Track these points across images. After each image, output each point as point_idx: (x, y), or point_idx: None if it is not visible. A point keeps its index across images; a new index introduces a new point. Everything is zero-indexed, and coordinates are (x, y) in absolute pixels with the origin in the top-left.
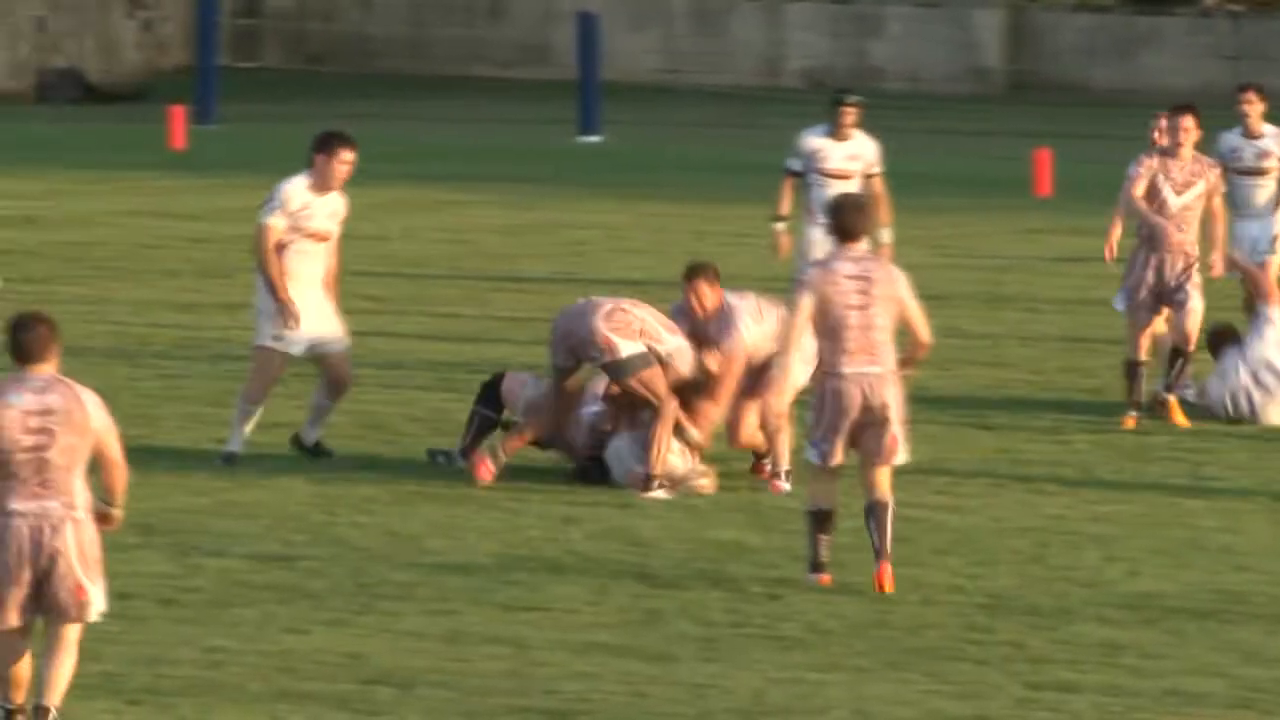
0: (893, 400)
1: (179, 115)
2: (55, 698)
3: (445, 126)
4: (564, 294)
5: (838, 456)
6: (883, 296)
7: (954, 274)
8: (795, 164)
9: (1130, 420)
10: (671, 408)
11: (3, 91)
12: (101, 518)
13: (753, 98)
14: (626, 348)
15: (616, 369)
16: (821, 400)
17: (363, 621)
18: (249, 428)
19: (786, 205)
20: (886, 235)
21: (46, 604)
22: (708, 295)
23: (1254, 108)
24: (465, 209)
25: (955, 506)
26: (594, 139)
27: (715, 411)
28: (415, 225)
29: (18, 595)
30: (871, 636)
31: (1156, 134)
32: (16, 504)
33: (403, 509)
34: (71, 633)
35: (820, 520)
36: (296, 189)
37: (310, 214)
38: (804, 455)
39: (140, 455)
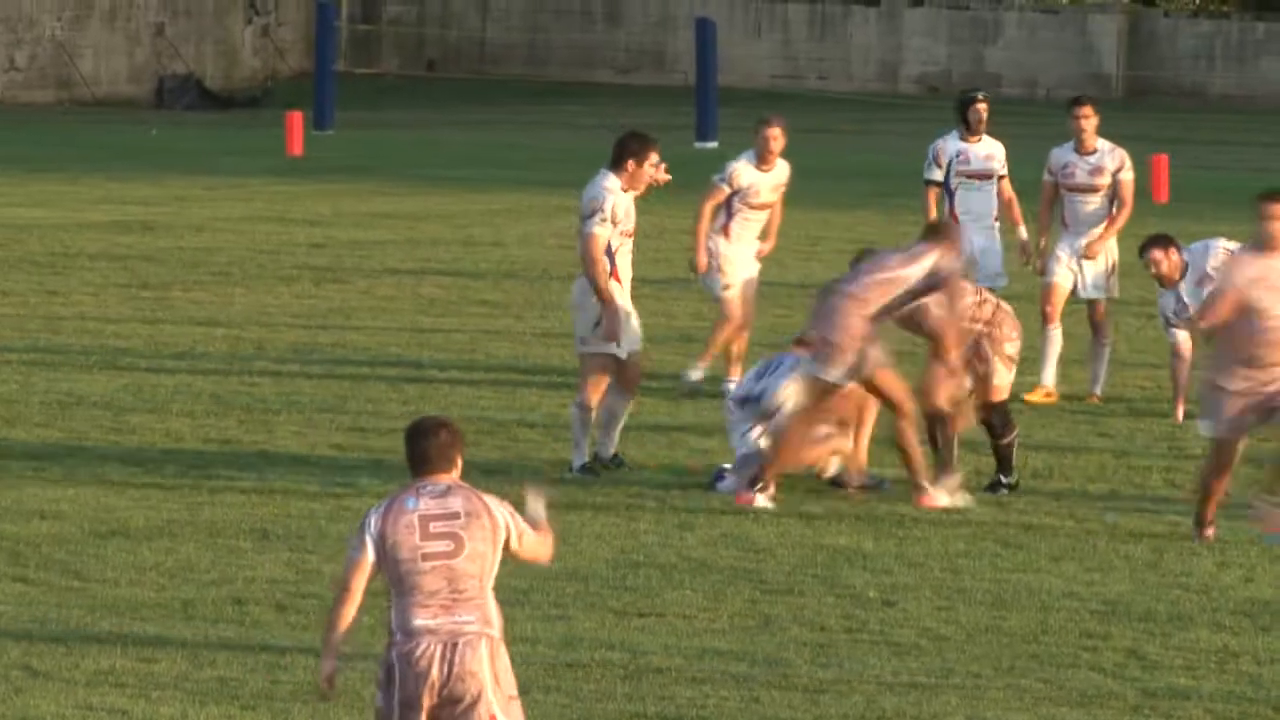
0: None
1: (296, 121)
2: None
3: (561, 132)
4: (678, 298)
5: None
6: None
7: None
8: (935, 174)
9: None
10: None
11: (122, 97)
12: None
13: (869, 104)
14: None
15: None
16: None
17: None
18: (614, 433)
19: (935, 217)
20: (1024, 232)
21: None
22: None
23: (1089, 122)
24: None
25: (1071, 513)
26: (710, 145)
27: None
28: (533, 230)
29: None
30: (987, 643)
31: None
32: (421, 620)
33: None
34: None
35: None
36: (615, 194)
37: (630, 215)
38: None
39: (256, 461)
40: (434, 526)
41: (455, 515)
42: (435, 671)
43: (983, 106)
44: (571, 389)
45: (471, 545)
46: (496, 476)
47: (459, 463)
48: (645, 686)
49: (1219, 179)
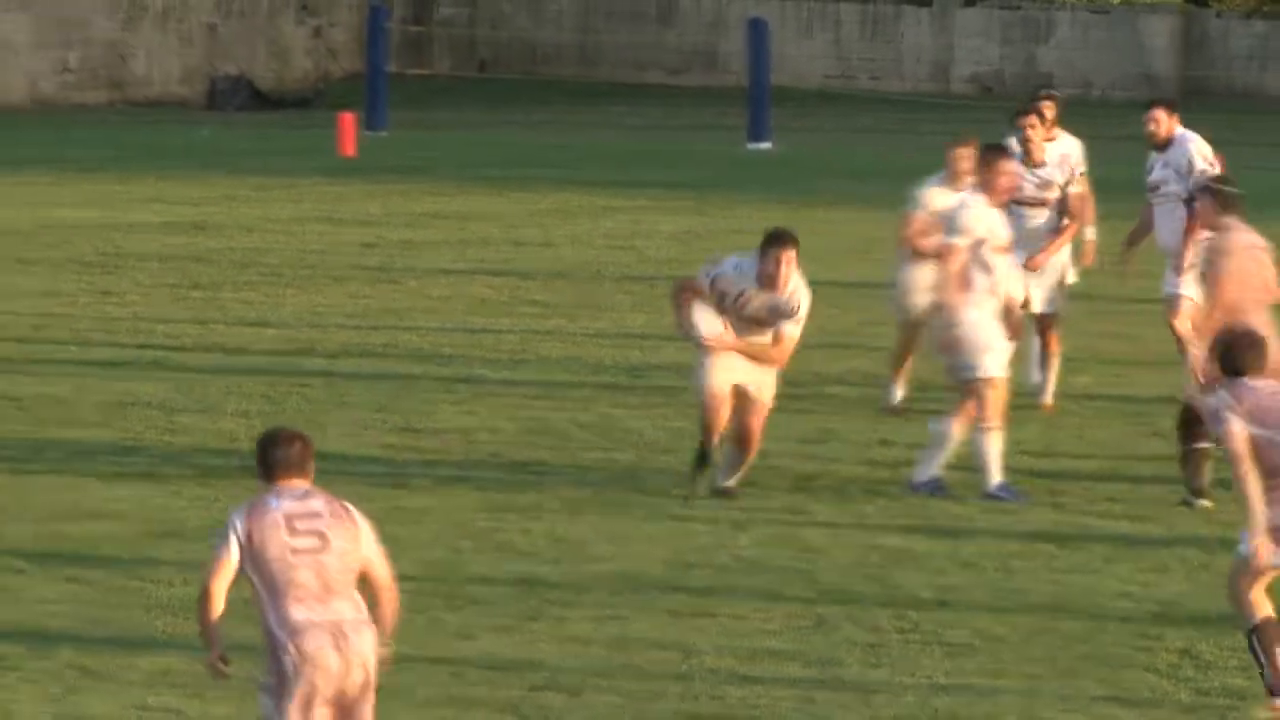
0: None
1: (349, 122)
2: None
3: (614, 133)
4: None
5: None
6: None
7: (1118, 280)
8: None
9: None
10: None
11: (174, 97)
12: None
13: (921, 104)
14: None
15: None
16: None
17: (530, 627)
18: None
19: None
20: (1090, 233)
21: None
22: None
23: (1036, 132)
24: (635, 215)
25: (1126, 514)
26: (763, 145)
27: None
28: (586, 230)
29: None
30: (1042, 643)
31: None
32: (299, 614)
33: (570, 515)
34: None
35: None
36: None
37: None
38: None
39: None
40: (299, 524)
41: (318, 514)
42: (333, 661)
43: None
44: (623, 389)
45: (337, 542)
46: (550, 475)
47: (311, 472)
48: (698, 686)
49: (1274, 179)
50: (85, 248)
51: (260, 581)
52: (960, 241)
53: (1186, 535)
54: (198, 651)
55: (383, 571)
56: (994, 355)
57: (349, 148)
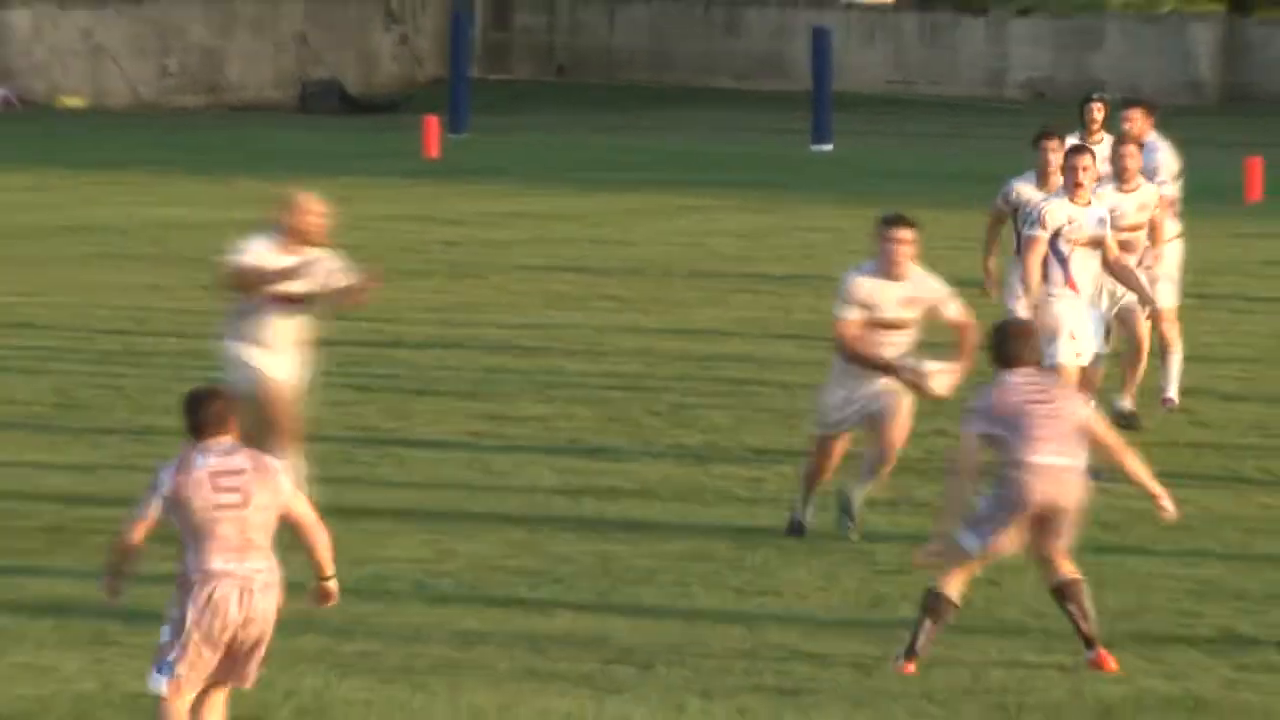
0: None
1: (433, 125)
2: None
3: (685, 135)
4: (796, 294)
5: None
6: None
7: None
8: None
9: None
10: None
11: (268, 101)
12: (323, 595)
13: (976, 108)
14: None
15: None
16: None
17: (605, 604)
18: None
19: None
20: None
21: (230, 669)
22: None
23: (1057, 155)
24: (704, 213)
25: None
26: (826, 148)
27: None
28: (658, 229)
29: (213, 657)
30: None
31: None
32: (218, 563)
33: (643, 499)
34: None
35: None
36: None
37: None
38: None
39: (396, 446)
40: (223, 481)
41: (241, 471)
42: (234, 611)
43: (1101, 106)
44: (695, 378)
45: (258, 497)
46: (624, 460)
47: (234, 427)
48: (763, 661)
49: None
50: (184, 245)
51: (184, 531)
52: (1039, 234)
53: (1224, 517)
54: (290, 626)
55: (305, 510)
56: (1064, 344)
57: (433, 150)
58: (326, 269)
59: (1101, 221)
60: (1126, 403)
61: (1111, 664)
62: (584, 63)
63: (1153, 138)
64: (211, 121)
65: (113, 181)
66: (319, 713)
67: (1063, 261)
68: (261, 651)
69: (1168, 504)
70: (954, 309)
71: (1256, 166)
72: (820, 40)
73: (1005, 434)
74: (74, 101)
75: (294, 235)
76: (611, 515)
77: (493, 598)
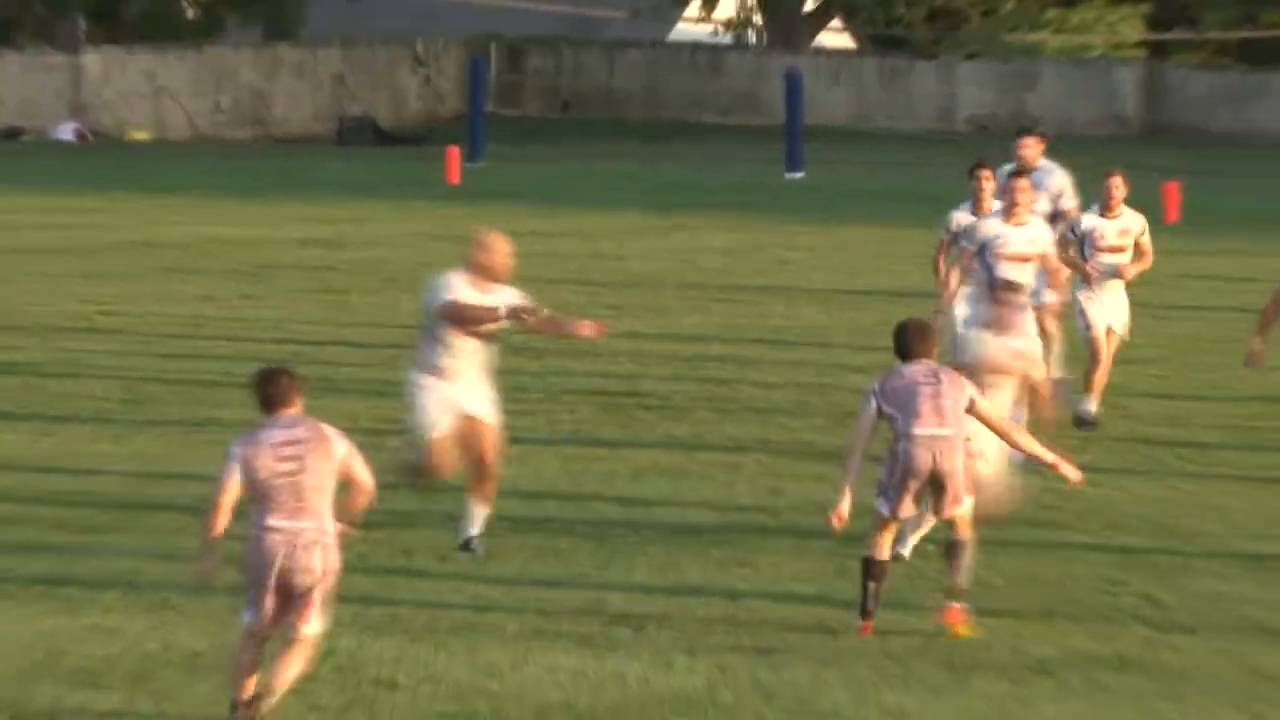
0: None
1: (454, 155)
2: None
3: (675, 164)
4: (772, 303)
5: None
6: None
7: None
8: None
9: None
10: None
11: (309, 134)
12: (342, 533)
13: (928, 141)
14: None
15: None
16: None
17: (603, 575)
18: None
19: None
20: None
21: (286, 614)
22: None
23: (990, 184)
24: (691, 232)
25: (1094, 481)
26: (798, 175)
27: None
28: (650, 246)
29: (271, 602)
30: (1025, 588)
31: None
32: (273, 521)
33: (636, 480)
34: (299, 644)
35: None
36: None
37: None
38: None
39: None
40: (284, 450)
41: (301, 440)
42: (280, 561)
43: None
44: (682, 377)
45: (313, 464)
46: (620, 448)
47: (298, 401)
48: (741, 624)
49: (1221, 202)
50: (235, 260)
51: (251, 492)
52: (967, 246)
53: (1146, 498)
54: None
55: (361, 473)
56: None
57: (454, 177)
58: (512, 304)
59: (1032, 240)
60: (1089, 406)
61: (960, 626)
62: (586, 101)
63: (1044, 163)
64: (259, 152)
65: (173, 204)
66: (354, 669)
67: (989, 271)
68: (314, 599)
69: (1068, 469)
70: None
71: (1174, 191)
72: (792, 81)
73: (896, 412)
74: (139, 134)
75: (484, 271)
76: (609, 495)
77: (503, 570)
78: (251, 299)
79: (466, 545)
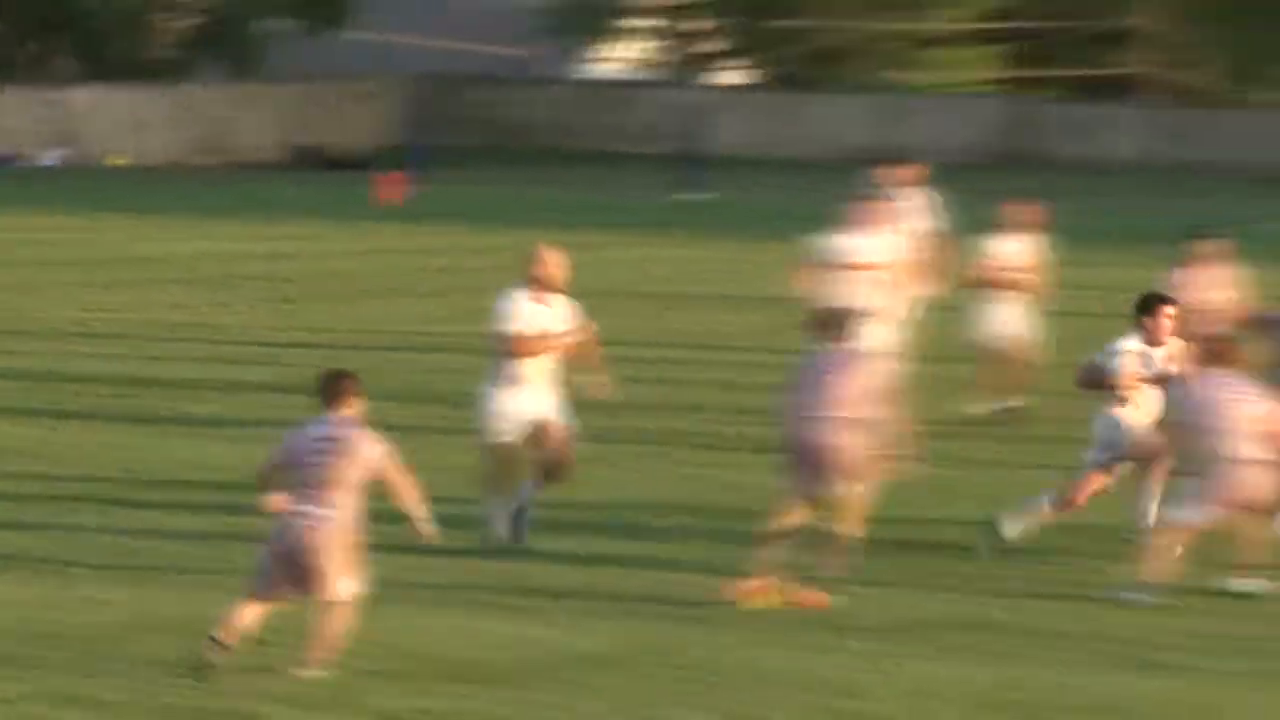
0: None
1: (396, 179)
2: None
3: (591, 187)
4: (677, 305)
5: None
6: None
7: None
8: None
9: None
10: None
11: (268, 161)
12: (419, 531)
13: (816, 167)
14: None
15: None
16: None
17: (529, 555)
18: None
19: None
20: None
21: (303, 583)
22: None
23: (856, 207)
24: (601, 246)
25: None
26: (700, 195)
27: None
28: (569, 258)
29: (277, 571)
30: (896, 556)
31: None
32: (295, 505)
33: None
34: (325, 607)
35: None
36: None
37: None
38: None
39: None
40: (319, 444)
41: (336, 439)
42: (292, 542)
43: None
44: (642, 380)
45: (339, 461)
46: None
47: (354, 403)
48: (645, 596)
49: (1075, 220)
50: (204, 271)
51: (286, 478)
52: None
53: (979, 462)
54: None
55: (393, 474)
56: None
57: (397, 199)
58: (565, 315)
59: (883, 252)
60: (983, 406)
61: (758, 595)
62: (516, 131)
63: (915, 189)
64: (224, 177)
65: (148, 223)
66: (288, 630)
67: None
68: (324, 574)
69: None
70: None
71: (1018, 208)
72: (693, 113)
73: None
74: (119, 160)
75: (540, 284)
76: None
77: (441, 551)
78: (220, 306)
79: (516, 531)
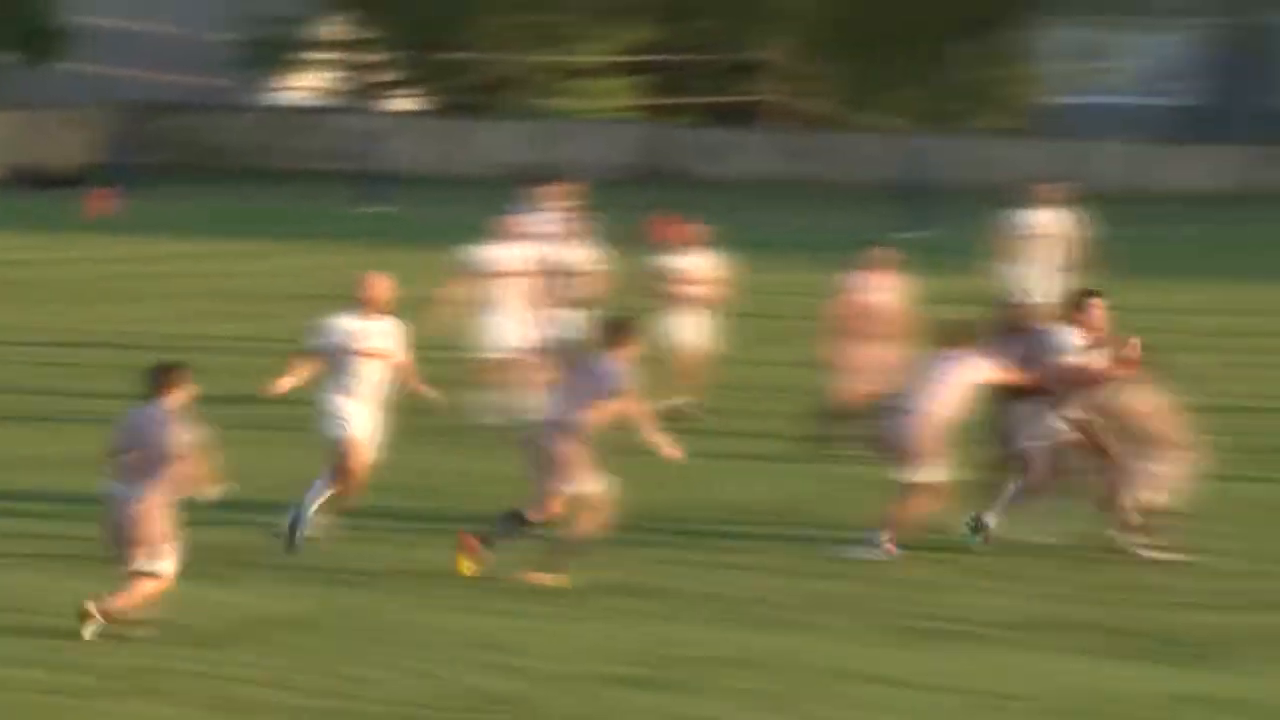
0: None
1: (104, 194)
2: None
3: (282, 201)
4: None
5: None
6: None
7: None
8: None
9: None
10: None
11: None
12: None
13: (482, 184)
14: None
15: None
16: None
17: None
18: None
19: None
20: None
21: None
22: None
23: (515, 223)
24: (282, 255)
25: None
26: (379, 208)
27: None
28: (261, 265)
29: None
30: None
31: None
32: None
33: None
34: (133, 578)
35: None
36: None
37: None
38: None
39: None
40: (141, 428)
41: (155, 425)
42: (114, 516)
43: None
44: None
45: (140, 440)
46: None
47: (171, 392)
48: (338, 567)
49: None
50: None
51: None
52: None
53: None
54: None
55: (197, 458)
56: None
57: (106, 211)
58: (389, 334)
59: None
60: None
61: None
62: (215, 151)
63: (563, 205)
64: None
65: None
66: (32, 609)
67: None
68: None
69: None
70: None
71: (662, 222)
72: (371, 136)
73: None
74: None
75: (367, 305)
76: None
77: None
78: None
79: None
